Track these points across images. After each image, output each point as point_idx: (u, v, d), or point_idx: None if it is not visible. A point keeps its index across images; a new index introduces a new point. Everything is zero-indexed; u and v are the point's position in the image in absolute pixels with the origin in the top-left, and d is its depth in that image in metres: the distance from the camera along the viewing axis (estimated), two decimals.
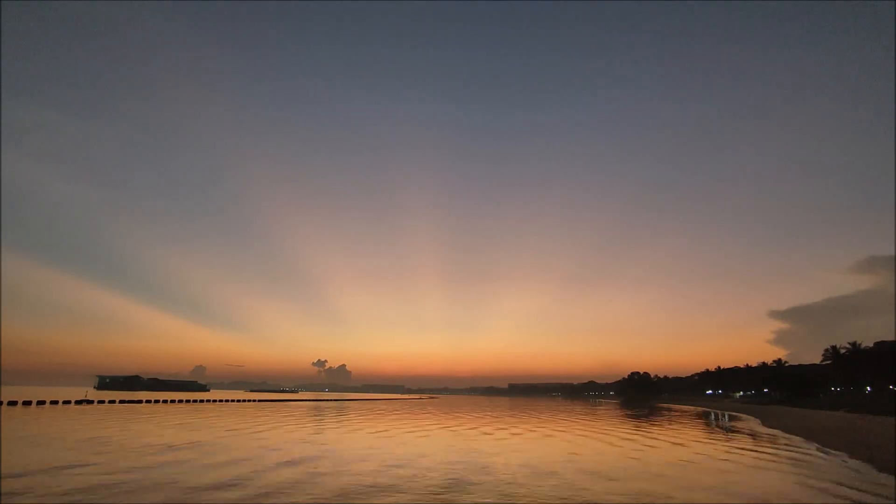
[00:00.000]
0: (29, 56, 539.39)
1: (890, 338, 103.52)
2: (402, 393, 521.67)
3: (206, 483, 15.95)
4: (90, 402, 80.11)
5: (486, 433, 38.07)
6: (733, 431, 43.91)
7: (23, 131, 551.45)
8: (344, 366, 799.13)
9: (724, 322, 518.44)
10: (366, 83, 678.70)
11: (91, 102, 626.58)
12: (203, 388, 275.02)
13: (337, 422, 49.59)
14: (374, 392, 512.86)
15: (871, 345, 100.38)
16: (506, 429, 42.76)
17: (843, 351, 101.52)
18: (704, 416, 73.68)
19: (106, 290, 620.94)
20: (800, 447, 30.96)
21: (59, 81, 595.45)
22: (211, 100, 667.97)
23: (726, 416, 74.10)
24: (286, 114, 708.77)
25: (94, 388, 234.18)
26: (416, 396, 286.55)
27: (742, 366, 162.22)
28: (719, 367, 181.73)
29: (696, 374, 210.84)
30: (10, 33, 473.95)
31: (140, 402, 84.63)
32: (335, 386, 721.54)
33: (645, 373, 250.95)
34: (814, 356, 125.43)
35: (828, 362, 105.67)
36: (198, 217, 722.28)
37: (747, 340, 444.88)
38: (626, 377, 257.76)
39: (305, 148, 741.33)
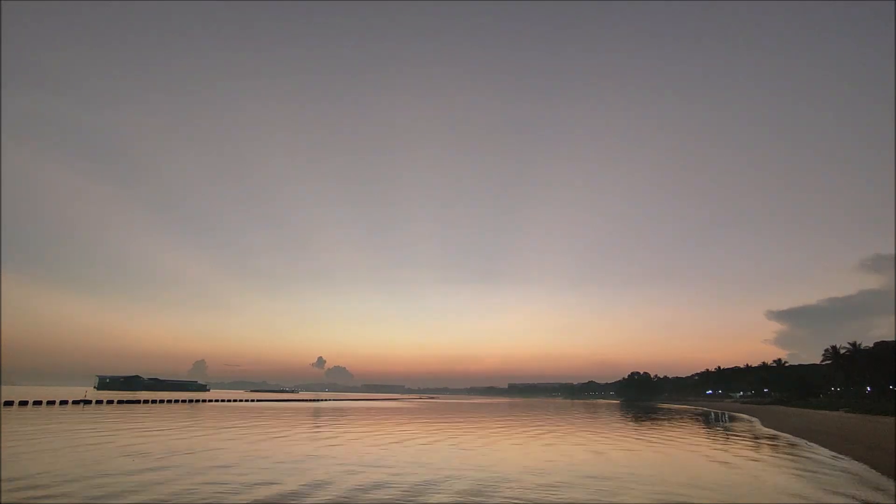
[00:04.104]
0: None
1: (890, 338, 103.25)
2: (402, 393, 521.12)
3: None
4: (88, 402, 79.97)
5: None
6: (732, 432, 43.80)
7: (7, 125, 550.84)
8: (344, 366, 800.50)
9: (725, 322, 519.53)
10: (369, 80, 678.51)
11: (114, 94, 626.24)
12: (203, 388, 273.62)
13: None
14: (373, 392, 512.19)
15: (871, 345, 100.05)
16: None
17: (843, 351, 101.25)
18: (705, 417, 73.66)
19: (105, 289, 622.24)
20: (799, 448, 30.84)
21: (60, 75, 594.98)
22: (217, 97, 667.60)
23: (726, 416, 74.12)
24: (284, 114, 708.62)
25: (95, 388, 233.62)
26: (416, 397, 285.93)
27: (742, 366, 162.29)
28: (719, 367, 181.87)
29: (696, 374, 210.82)
30: (13, 27, 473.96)
31: (139, 402, 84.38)
32: (335, 386, 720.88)
33: (645, 373, 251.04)
34: (814, 356, 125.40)
35: (828, 362, 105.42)
36: (197, 216, 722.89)
37: (747, 340, 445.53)
38: (626, 377, 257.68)
39: (305, 148, 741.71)
